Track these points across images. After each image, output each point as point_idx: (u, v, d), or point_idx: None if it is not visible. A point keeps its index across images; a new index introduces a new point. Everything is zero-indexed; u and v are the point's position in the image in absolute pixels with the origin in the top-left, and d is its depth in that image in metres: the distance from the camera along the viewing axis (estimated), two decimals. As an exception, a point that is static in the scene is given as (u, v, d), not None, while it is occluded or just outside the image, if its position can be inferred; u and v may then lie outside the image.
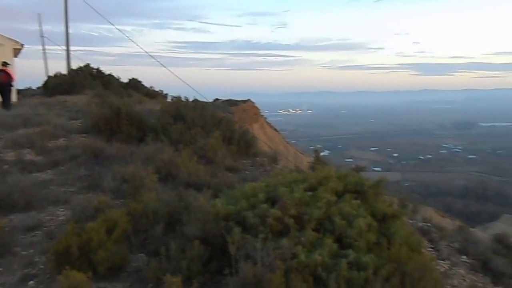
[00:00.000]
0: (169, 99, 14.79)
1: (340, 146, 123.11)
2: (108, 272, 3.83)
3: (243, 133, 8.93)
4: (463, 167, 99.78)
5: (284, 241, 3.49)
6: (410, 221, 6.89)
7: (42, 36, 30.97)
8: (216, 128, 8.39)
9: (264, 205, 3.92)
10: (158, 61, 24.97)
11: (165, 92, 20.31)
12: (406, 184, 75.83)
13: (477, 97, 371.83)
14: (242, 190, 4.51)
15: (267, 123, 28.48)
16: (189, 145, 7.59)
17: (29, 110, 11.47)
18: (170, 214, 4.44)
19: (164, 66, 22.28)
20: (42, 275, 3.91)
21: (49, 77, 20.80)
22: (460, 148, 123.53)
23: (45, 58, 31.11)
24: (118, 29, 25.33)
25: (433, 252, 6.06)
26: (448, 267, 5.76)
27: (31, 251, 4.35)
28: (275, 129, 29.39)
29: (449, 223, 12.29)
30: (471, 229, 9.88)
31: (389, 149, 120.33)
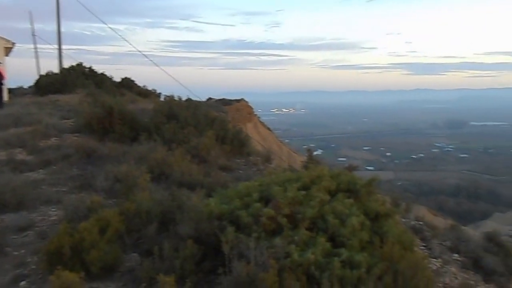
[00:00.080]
0: (162, 99, 14.74)
1: (333, 145, 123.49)
2: (101, 272, 3.81)
3: (237, 132, 8.93)
4: (455, 166, 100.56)
5: (278, 240, 3.50)
6: (403, 220, 6.93)
7: (33, 35, 30.71)
8: (210, 128, 8.37)
9: (258, 204, 3.92)
10: (151, 60, 24.82)
11: (158, 91, 20.24)
12: (399, 183, 76.21)
13: (469, 97, 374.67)
14: (235, 190, 4.51)
15: (261, 122, 28.49)
16: (182, 144, 7.58)
17: (20, 109, 11.38)
18: (163, 214, 4.43)
19: (157, 65, 22.23)
20: (34, 275, 3.88)
21: (41, 76, 20.64)
22: (452, 147, 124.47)
23: (36, 57, 30.87)
24: (110, 28, 25.24)
25: (426, 251, 6.11)
26: (440, 265, 5.80)
27: (23, 251, 4.32)
28: (269, 129, 29.41)
29: (441, 222, 12.38)
30: (463, 227, 9.96)
31: (382, 148, 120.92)
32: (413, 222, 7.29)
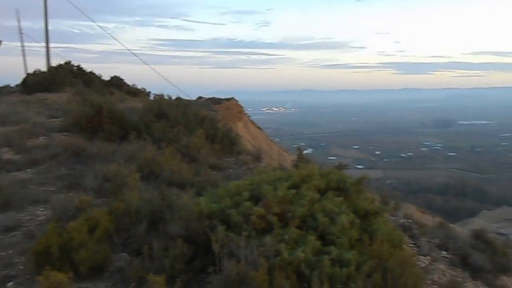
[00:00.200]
0: (151, 97, 14.65)
1: (323, 144, 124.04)
2: (90, 272, 3.78)
3: (227, 131, 8.91)
4: (443, 165, 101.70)
5: (268, 239, 3.51)
6: (392, 218, 6.99)
7: (20, 33, 30.22)
8: (200, 126, 8.35)
9: (248, 203, 3.92)
10: (140, 59, 24.60)
11: (147, 90, 20.08)
12: (388, 182, 76.82)
13: (457, 96, 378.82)
14: (225, 188, 4.51)
15: (251, 121, 28.48)
16: (172, 143, 7.54)
17: (7, 108, 11.21)
18: (153, 213, 4.41)
19: (147, 64, 22.03)
20: (22, 276, 3.84)
21: (28, 74, 20.35)
22: (440, 146, 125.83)
23: (24, 55, 30.38)
24: (99, 26, 24.93)
25: (414, 248, 6.17)
26: (429, 262, 5.87)
27: (10, 251, 4.26)
28: (259, 127, 29.41)
29: (429, 220, 12.51)
30: (451, 225, 10.08)
31: (371, 147, 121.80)
32: (402, 220, 7.35)
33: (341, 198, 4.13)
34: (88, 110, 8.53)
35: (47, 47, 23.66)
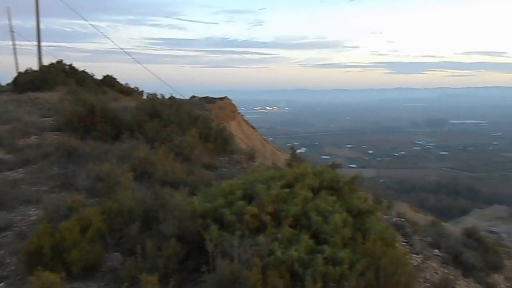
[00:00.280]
0: (144, 97, 14.58)
1: (316, 143, 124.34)
2: (82, 272, 3.75)
3: (220, 130, 8.90)
4: (436, 163, 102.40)
5: (261, 238, 3.51)
6: (385, 217, 7.02)
7: (12, 31, 29.93)
8: (193, 126, 8.32)
9: (241, 202, 3.92)
10: (133, 58, 24.41)
11: (140, 89, 19.98)
12: (381, 180, 77.18)
13: (449, 96, 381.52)
14: (219, 188, 4.50)
15: (244, 120, 28.44)
16: (165, 142, 7.51)
17: (-2, 107, 11.11)
18: (146, 212, 4.39)
19: (139, 63, 21.92)
20: (13, 276, 3.81)
21: (19, 73, 20.17)
22: (432, 145, 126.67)
23: (15, 54, 30.10)
24: (91, 24, 24.82)
25: (407, 247, 6.21)
26: (421, 260, 5.91)
27: (2, 252, 4.22)
28: (252, 127, 29.39)
29: (422, 218, 12.58)
30: (443, 223, 10.16)
31: (364, 146, 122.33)
32: (394, 219, 7.40)
33: (334, 197, 4.15)
34: (80, 109, 8.48)
35: (39, 46, 23.47)
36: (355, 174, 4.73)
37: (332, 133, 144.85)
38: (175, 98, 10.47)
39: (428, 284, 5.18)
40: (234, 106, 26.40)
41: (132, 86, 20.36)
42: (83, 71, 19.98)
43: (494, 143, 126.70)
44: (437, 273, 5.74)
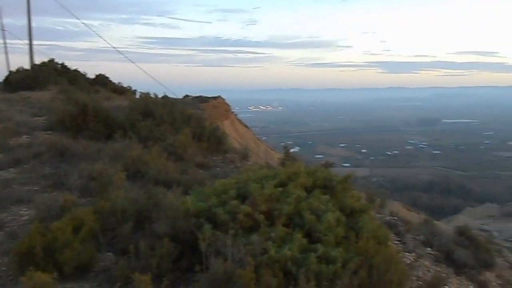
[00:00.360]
0: (137, 96, 14.51)
1: (310, 143, 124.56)
2: (75, 272, 3.73)
3: (214, 129, 8.89)
4: (428, 162, 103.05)
5: (255, 237, 3.51)
6: (378, 215, 7.06)
7: (3, 30, 29.62)
8: (186, 125, 8.30)
9: (235, 202, 3.92)
10: (126, 57, 24.22)
11: (133, 88, 19.88)
12: (374, 179, 77.50)
13: (441, 95, 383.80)
14: (212, 187, 4.49)
15: (238, 119, 28.39)
16: (159, 142, 7.49)
17: (-11, 107, 11.00)
18: (139, 212, 4.37)
19: (132, 62, 21.79)
20: (5, 277, 3.77)
21: (10, 72, 19.99)
22: (425, 144, 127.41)
23: (6, 53, 29.80)
24: (84, 23, 24.66)
25: (400, 245, 6.24)
26: (414, 259, 5.94)
27: (-7, 252, 4.19)
28: (246, 126, 29.34)
29: (415, 217, 12.66)
30: (435, 222, 10.23)
31: (357, 145, 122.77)
32: (387, 217, 7.44)
33: (327, 196, 4.16)
34: (72, 109, 8.42)
35: (30, 45, 23.27)
36: (348, 173, 4.75)
37: (325, 132, 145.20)
38: (168, 97, 10.43)
39: (420, 282, 5.22)
40: (228, 105, 26.35)
41: (125, 85, 20.26)
42: (75, 70, 19.85)
43: (486, 142, 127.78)
44: (429, 271, 5.78)
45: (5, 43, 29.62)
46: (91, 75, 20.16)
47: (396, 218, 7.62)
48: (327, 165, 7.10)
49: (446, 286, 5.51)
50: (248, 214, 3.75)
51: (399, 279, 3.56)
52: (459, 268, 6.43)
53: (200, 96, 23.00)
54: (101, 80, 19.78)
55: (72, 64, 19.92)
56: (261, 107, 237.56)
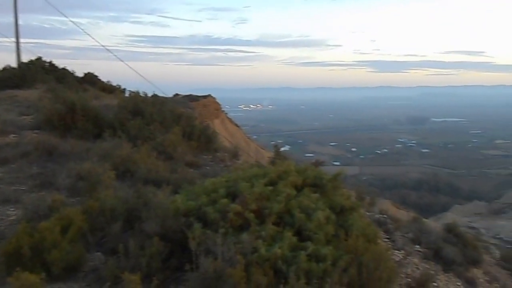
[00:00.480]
0: (127, 94, 14.41)
1: (300, 141, 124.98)
2: (63, 273, 3.69)
3: (204, 128, 8.86)
4: (417, 161, 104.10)
5: (245, 236, 3.51)
6: (367, 213, 7.11)
7: (-11, 27, 29.25)
8: (176, 124, 8.27)
9: (225, 200, 3.91)
10: (115, 55, 23.99)
11: (122, 87, 19.73)
12: (364, 178, 78.06)
13: (430, 94, 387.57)
14: (202, 186, 4.48)
15: (228, 118, 28.37)
16: (148, 141, 7.44)
17: (-25, 105, 10.84)
18: (129, 211, 4.34)
19: (121, 60, 21.62)
20: (-9, 278, 3.72)
21: (-3, 70, 19.73)
22: (414, 143, 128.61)
23: (-7, 51, 29.45)
24: (72, 21, 24.39)
25: (389, 243, 6.29)
26: (403, 256, 6.00)
27: (-21, 253, 4.13)
28: (236, 125, 29.33)
29: (404, 215, 12.77)
30: (424, 219, 10.34)
31: (347, 144, 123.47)
32: (377, 215, 7.49)
33: (317, 195, 4.17)
34: (60, 107, 8.33)
35: (17, 43, 22.95)
36: (338, 172, 4.76)
37: (315, 131, 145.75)
38: (158, 96, 10.38)
39: (409, 279, 5.27)
40: (218, 104, 26.30)
41: (114, 84, 20.10)
42: (63, 69, 19.64)
43: (474, 140, 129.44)
44: (418, 268, 5.84)
45: (-9, 41, 29.21)
46: (79, 73, 19.96)
47: (385, 216, 7.67)
48: (317, 163, 7.12)
49: (434, 283, 5.57)
50: (238, 212, 3.74)
51: (388, 277, 3.59)
52: (447, 265, 6.51)
53: (190, 95, 22.92)
54: (90, 79, 19.61)
55: (60, 63, 19.71)
56: (252, 106, 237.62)
